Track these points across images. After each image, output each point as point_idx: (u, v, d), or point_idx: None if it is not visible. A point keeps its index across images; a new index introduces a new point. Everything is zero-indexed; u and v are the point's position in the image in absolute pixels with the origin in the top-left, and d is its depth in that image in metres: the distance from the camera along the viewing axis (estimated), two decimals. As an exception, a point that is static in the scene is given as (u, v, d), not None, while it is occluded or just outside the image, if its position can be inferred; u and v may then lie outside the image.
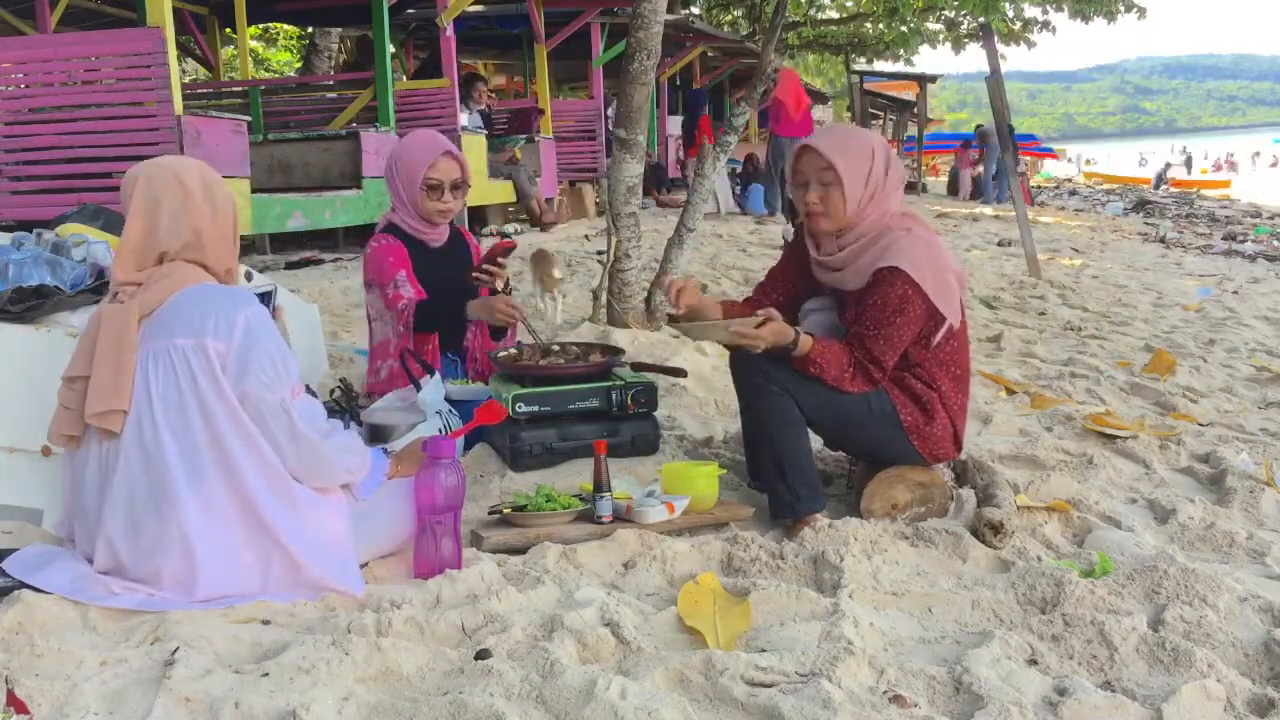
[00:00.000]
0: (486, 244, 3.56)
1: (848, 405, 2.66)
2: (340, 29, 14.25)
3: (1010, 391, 4.33)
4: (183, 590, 2.10)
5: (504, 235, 8.77)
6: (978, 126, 20.08)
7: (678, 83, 18.88)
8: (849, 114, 21.87)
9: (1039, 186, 24.51)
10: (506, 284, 3.42)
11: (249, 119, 6.66)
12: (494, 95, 11.58)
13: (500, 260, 3.31)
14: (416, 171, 3.30)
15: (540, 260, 5.29)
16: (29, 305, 2.60)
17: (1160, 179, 30.32)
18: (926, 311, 2.62)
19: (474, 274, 3.29)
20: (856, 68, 22.03)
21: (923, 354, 2.69)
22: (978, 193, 18.88)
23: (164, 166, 2.22)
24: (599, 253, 7.20)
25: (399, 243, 3.36)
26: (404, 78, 11.71)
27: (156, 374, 2.10)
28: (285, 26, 18.96)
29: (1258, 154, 43.63)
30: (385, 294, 3.33)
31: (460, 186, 3.38)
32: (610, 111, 12.80)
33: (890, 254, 2.62)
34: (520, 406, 2.98)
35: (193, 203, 2.20)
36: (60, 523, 2.35)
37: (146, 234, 2.19)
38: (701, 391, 3.91)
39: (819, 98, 29.11)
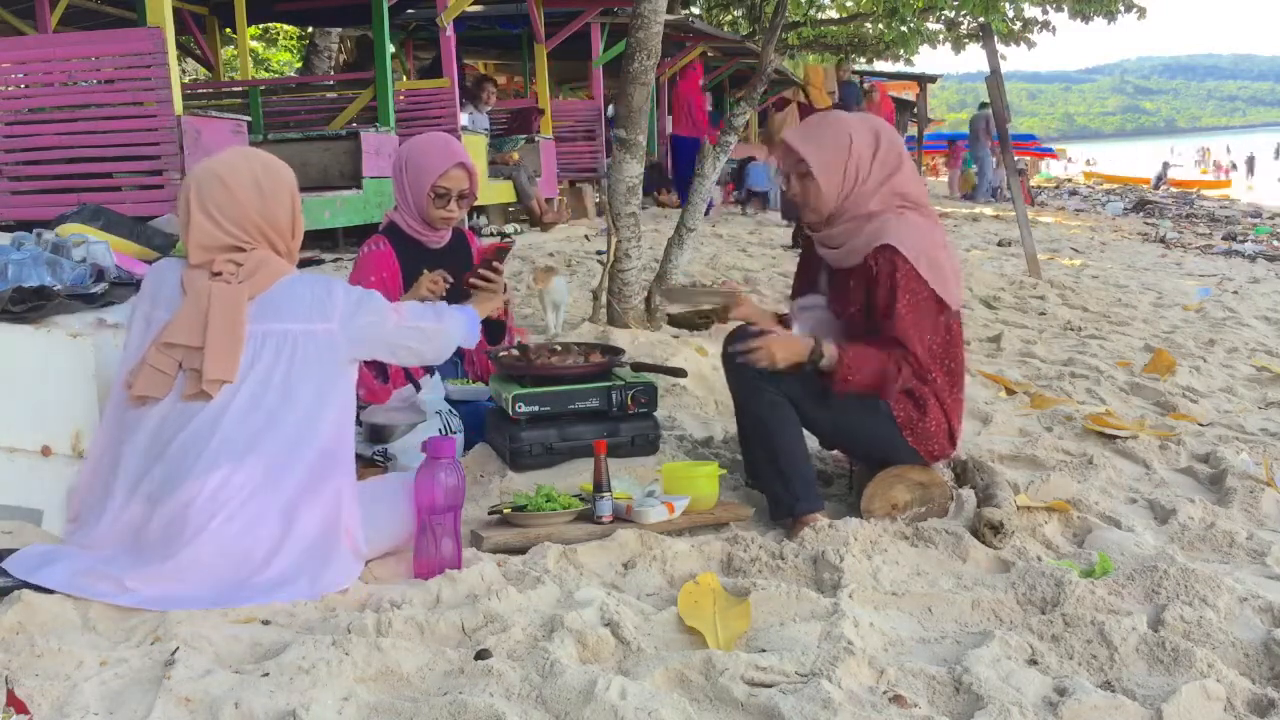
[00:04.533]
0: (488, 244, 3.53)
1: (844, 402, 2.67)
2: (340, 29, 14.24)
3: (1010, 391, 4.33)
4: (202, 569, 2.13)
5: (504, 235, 8.76)
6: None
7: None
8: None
9: (1038, 187, 24.49)
10: (504, 290, 3.37)
11: (249, 119, 6.64)
12: (492, 94, 11.54)
13: (496, 265, 3.21)
14: (426, 177, 3.25)
15: (540, 277, 5.02)
16: (29, 305, 2.60)
17: (1160, 179, 30.28)
18: (928, 290, 2.62)
19: (470, 280, 3.20)
20: (856, 68, 22.01)
21: None
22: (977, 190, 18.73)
23: (276, 168, 2.50)
24: (599, 253, 7.20)
25: (389, 250, 3.30)
26: (404, 78, 11.70)
27: (261, 354, 2.25)
28: (285, 26, 18.93)
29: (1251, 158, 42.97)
30: None
31: (466, 196, 3.34)
32: (610, 111, 12.79)
33: (882, 234, 2.64)
34: (520, 406, 2.98)
35: (295, 201, 2.47)
36: (84, 476, 2.33)
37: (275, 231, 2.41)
38: (701, 391, 3.91)
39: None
